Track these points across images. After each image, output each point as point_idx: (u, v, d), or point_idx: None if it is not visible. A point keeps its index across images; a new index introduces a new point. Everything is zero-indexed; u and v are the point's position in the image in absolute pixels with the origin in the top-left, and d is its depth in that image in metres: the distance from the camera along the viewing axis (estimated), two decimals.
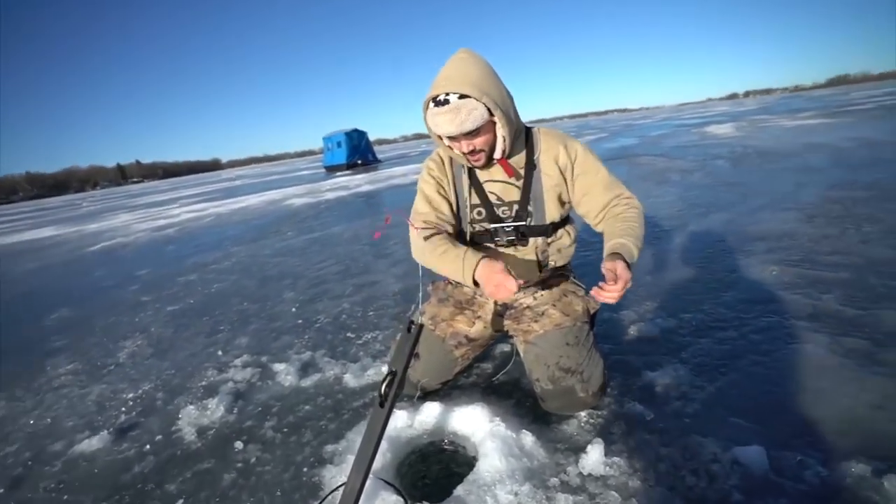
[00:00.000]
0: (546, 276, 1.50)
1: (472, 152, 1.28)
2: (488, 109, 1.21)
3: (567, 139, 1.42)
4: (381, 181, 11.64)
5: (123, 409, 1.85)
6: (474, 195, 1.43)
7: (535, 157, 1.40)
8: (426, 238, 1.34)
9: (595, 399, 1.35)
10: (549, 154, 1.39)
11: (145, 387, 2.03)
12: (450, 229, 1.42)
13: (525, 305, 1.50)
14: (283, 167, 49.71)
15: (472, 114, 1.19)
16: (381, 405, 1.04)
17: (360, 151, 22.93)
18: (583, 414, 1.36)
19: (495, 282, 1.17)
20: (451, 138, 1.27)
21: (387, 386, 1.05)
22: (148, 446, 1.55)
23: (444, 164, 1.45)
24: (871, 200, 3.37)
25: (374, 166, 20.63)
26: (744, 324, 1.80)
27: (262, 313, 2.79)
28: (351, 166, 21.84)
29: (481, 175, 1.42)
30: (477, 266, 1.21)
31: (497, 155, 1.33)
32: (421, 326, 1.14)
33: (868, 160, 5.17)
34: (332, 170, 22.06)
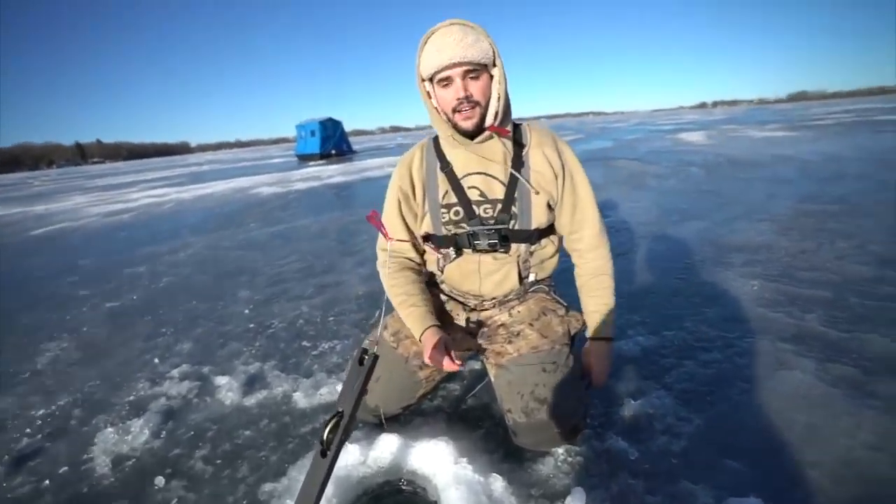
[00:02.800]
0: (525, 290, 1.34)
1: (467, 100, 1.11)
2: (492, 53, 1.11)
3: (558, 139, 1.27)
4: (354, 173, 11.30)
5: (28, 429, 1.58)
6: (451, 194, 1.24)
7: (523, 152, 1.23)
8: (389, 276, 1.28)
9: (573, 435, 1.19)
10: (539, 151, 1.23)
11: (61, 401, 1.76)
12: (414, 256, 1.33)
13: (499, 323, 1.34)
14: (256, 154, 48.14)
15: (478, 42, 1.07)
16: (324, 454, 0.85)
17: (334, 141, 22.29)
18: (560, 451, 1.21)
19: (435, 358, 1.12)
20: (444, 82, 1.11)
21: (330, 431, 0.86)
22: (47, 482, 1.30)
23: (412, 166, 1.28)
24: (842, 216, 3.38)
25: (349, 157, 20.14)
26: (728, 344, 1.70)
27: (211, 314, 2.54)
28: (325, 156, 21.23)
29: (459, 169, 1.23)
30: (423, 333, 1.19)
31: (490, 118, 1.16)
32: (375, 358, 0.95)
33: (833, 175, 5.28)
34: (304, 159, 21.40)
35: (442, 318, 1.37)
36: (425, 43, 1.10)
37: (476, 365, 1.68)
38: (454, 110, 1.13)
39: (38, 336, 2.46)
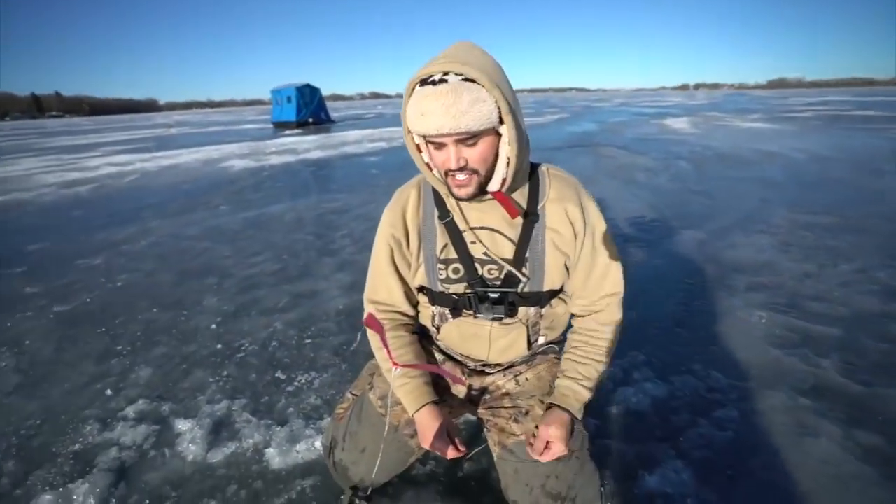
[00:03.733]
0: (533, 353, 1.17)
1: (462, 170, 0.88)
2: (497, 110, 0.83)
3: (581, 191, 1.05)
4: (332, 147, 10.80)
5: None
6: (450, 249, 1.04)
7: (539, 205, 1.02)
8: (377, 347, 1.09)
9: None
10: (559, 205, 1.02)
11: None
12: (408, 310, 1.13)
13: (504, 391, 1.17)
14: (228, 117, 45.95)
15: (475, 105, 0.80)
16: None
17: (311, 109, 21.33)
18: None
19: (434, 444, 0.99)
20: (435, 144, 0.87)
21: None
22: None
23: (406, 210, 1.06)
24: (837, 231, 3.32)
25: (327, 127, 19.35)
26: (743, 397, 1.58)
27: (173, 327, 2.29)
28: (301, 124, 20.34)
29: (461, 220, 1.03)
30: (418, 411, 1.03)
31: (494, 185, 0.93)
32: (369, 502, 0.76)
33: (820, 178, 5.28)
34: (280, 126, 20.47)
35: (437, 380, 1.19)
36: (411, 92, 0.85)
37: (473, 417, 1.51)
38: (447, 173, 0.90)
39: None
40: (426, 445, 1.01)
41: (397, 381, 1.05)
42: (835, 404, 1.52)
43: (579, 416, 1.03)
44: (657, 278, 2.63)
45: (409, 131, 0.91)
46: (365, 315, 1.11)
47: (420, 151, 0.95)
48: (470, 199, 0.93)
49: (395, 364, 1.02)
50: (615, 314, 1.08)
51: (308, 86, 21.42)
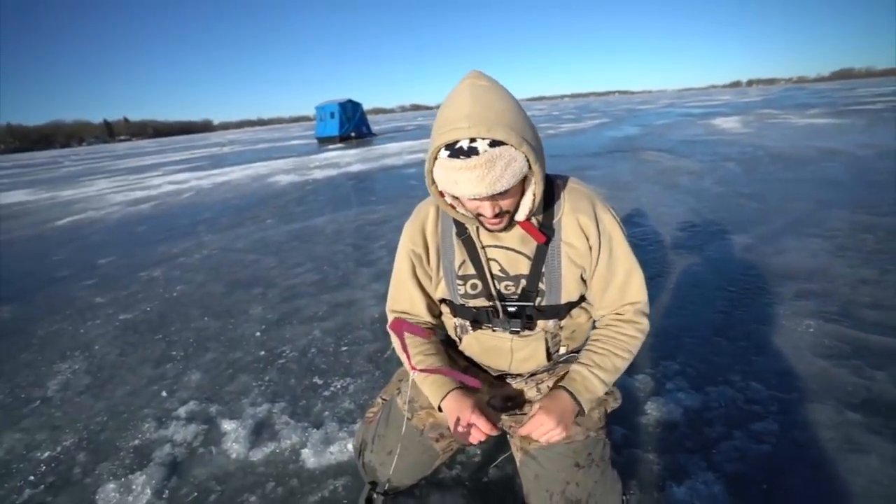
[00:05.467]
0: (555, 363, 1.18)
1: (497, 215, 0.92)
2: (527, 160, 0.85)
3: (597, 202, 1.06)
4: (373, 160, 11.12)
5: (31, 477, 1.52)
6: (468, 265, 1.07)
7: (554, 221, 1.04)
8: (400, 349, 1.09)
9: None
10: (574, 218, 1.03)
11: (67, 441, 1.70)
12: (431, 319, 1.15)
13: (526, 399, 1.19)
14: (275, 134, 48.29)
15: (509, 168, 0.83)
16: None
17: (353, 123, 22.07)
18: None
19: (463, 421, 0.97)
20: (457, 196, 0.91)
21: None
22: None
23: (426, 227, 1.10)
24: None
25: (368, 140, 19.93)
26: (784, 409, 1.51)
27: (222, 335, 2.45)
28: (344, 139, 21.08)
29: (478, 240, 1.06)
30: (445, 397, 1.02)
31: (522, 216, 0.97)
32: (385, 499, 0.81)
33: (890, 175, 4.86)
34: (324, 141, 21.29)
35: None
36: (436, 154, 0.85)
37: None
38: (478, 215, 0.94)
39: (53, 353, 2.42)
40: (457, 430, 0.98)
41: (420, 377, 1.08)
42: (890, 420, 1.42)
43: (585, 404, 1.02)
44: (696, 285, 2.54)
45: (434, 182, 0.91)
46: (389, 321, 1.17)
47: (443, 196, 0.96)
48: (502, 230, 0.99)
49: (413, 368, 1.06)
50: (639, 319, 1.08)
51: (350, 101, 22.18)
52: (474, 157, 0.81)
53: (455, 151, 0.82)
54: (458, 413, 0.99)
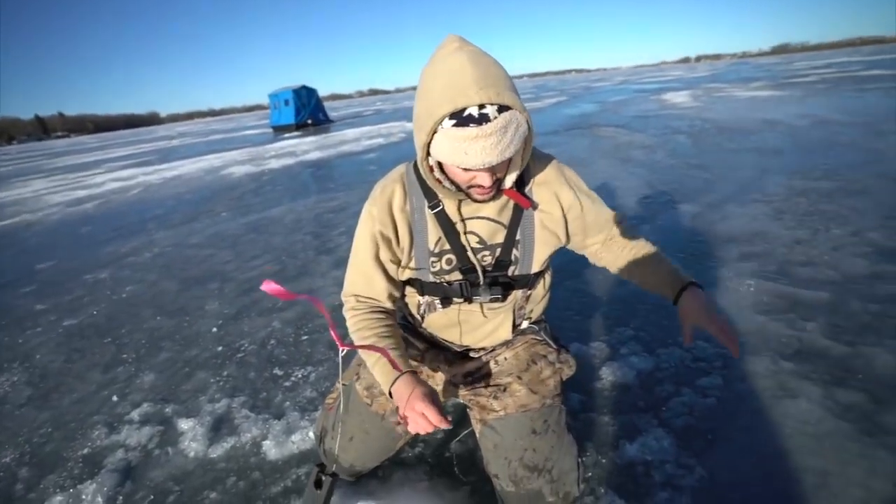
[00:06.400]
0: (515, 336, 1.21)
1: (493, 184, 0.91)
2: (527, 125, 0.84)
3: (564, 168, 1.09)
4: (331, 146, 10.84)
5: None
6: (444, 241, 1.04)
7: (526, 188, 1.04)
8: (355, 321, 1.08)
9: (567, 503, 1.08)
10: (546, 188, 1.05)
11: (7, 456, 1.60)
12: (389, 306, 1.11)
13: (484, 373, 1.21)
14: (229, 124, 46.18)
15: (518, 133, 0.81)
16: None
17: (309, 110, 21.39)
18: None
19: (412, 411, 0.90)
20: (466, 167, 0.86)
21: None
22: None
23: (392, 206, 1.03)
24: (834, 194, 3.28)
25: (326, 127, 19.39)
26: (727, 365, 1.60)
27: (177, 334, 2.36)
28: (300, 126, 20.43)
29: (453, 211, 1.02)
30: (394, 382, 0.96)
31: (509, 183, 0.96)
32: (333, 481, 0.81)
33: (823, 142, 5.17)
34: (279, 130, 20.57)
35: (418, 369, 1.23)
36: (439, 123, 0.79)
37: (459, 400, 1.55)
38: (469, 186, 0.92)
39: None
40: (402, 418, 0.93)
41: (370, 359, 1.04)
42: (817, 366, 1.53)
43: (703, 287, 1.05)
44: None
45: (430, 155, 0.87)
46: (345, 306, 1.13)
47: (432, 171, 0.91)
48: (489, 200, 0.96)
49: (342, 346, 1.01)
50: (632, 231, 1.17)
51: (305, 87, 21.47)
52: (487, 125, 0.77)
53: (464, 119, 0.77)
54: (406, 400, 0.92)
